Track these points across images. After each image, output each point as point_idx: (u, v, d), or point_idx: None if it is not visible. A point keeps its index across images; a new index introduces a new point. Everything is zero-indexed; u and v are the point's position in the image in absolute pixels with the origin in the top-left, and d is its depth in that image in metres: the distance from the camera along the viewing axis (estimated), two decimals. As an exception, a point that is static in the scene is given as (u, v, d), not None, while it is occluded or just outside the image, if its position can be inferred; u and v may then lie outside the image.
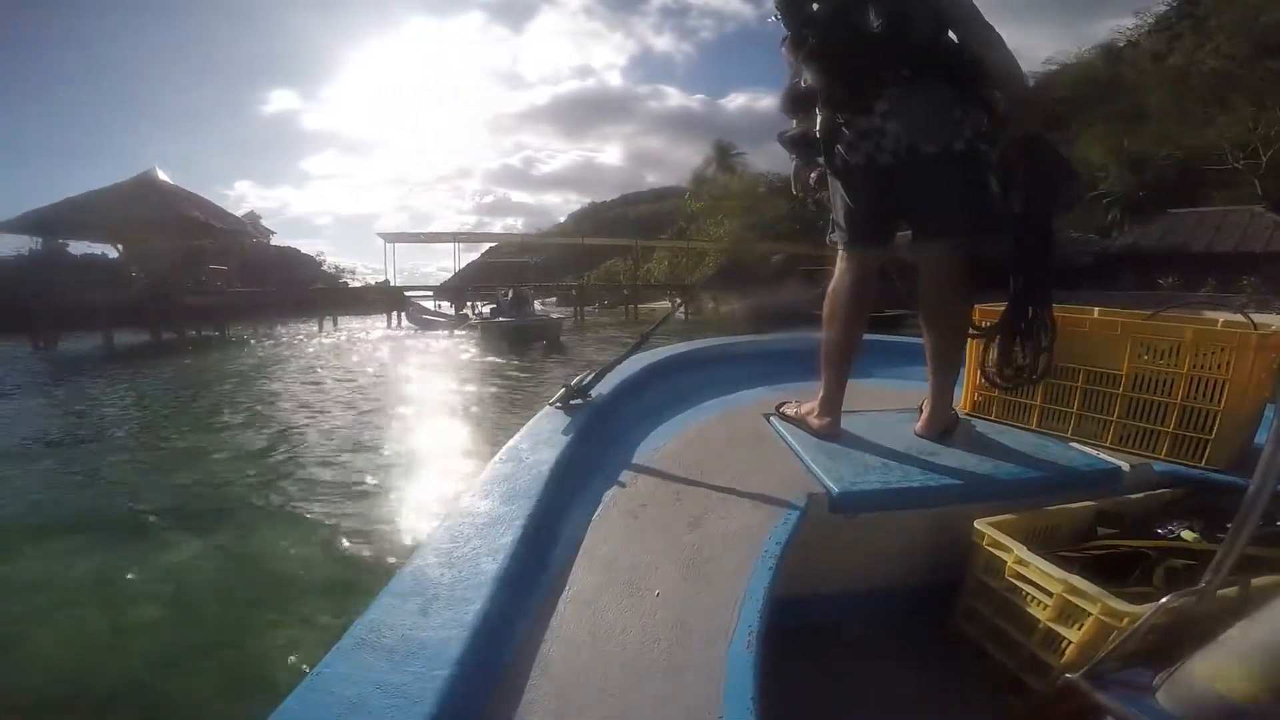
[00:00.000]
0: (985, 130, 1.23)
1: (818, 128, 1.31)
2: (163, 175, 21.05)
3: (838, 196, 1.33)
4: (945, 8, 1.20)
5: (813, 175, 1.44)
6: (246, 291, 22.49)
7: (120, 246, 21.50)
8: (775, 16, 1.32)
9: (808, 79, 1.32)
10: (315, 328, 21.67)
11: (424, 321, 19.17)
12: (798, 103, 1.37)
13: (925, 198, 1.25)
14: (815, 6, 1.27)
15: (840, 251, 1.35)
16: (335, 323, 22.69)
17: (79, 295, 16.74)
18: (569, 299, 30.58)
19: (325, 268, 38.27)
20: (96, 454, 6.01)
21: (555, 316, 16.47)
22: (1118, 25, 28.31)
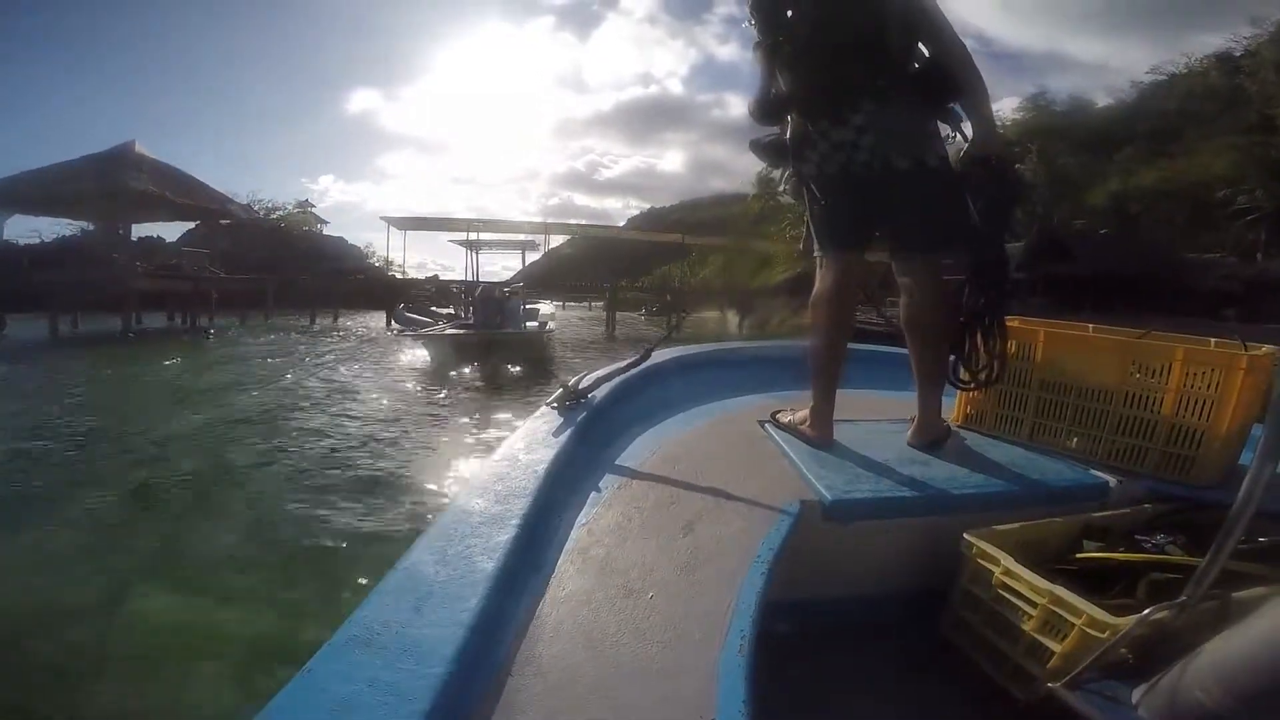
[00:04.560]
0: (953, 146, 1.26)
1: (788, 136, 1.32)
2: (141, 148, 19.19)
3: (813, 204, 1.35)
4: (919, 21, 1.22)
5: (787, 184, 1.43)
6: (231, 278, 21.21)
7: (113, 226, 20.07)
8: (750, 21, 1.32)
9: (780, 86, 1.32)
10: (307, 321, 20.73)
11: (409, 321, 17.49)
12: (770, 110, 1.36)
13: (901, 211, 1.27)
14: (790, 13, 1.27)
15: (819, 259, 1.37)
16: (335, 317, 21.70)
17: (30, 278, 16.19)
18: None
19: (372, 259, 37.04)
20: None
21: (549, 328, 12.70)
22: (1234, 35, 26.28)
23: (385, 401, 8.20)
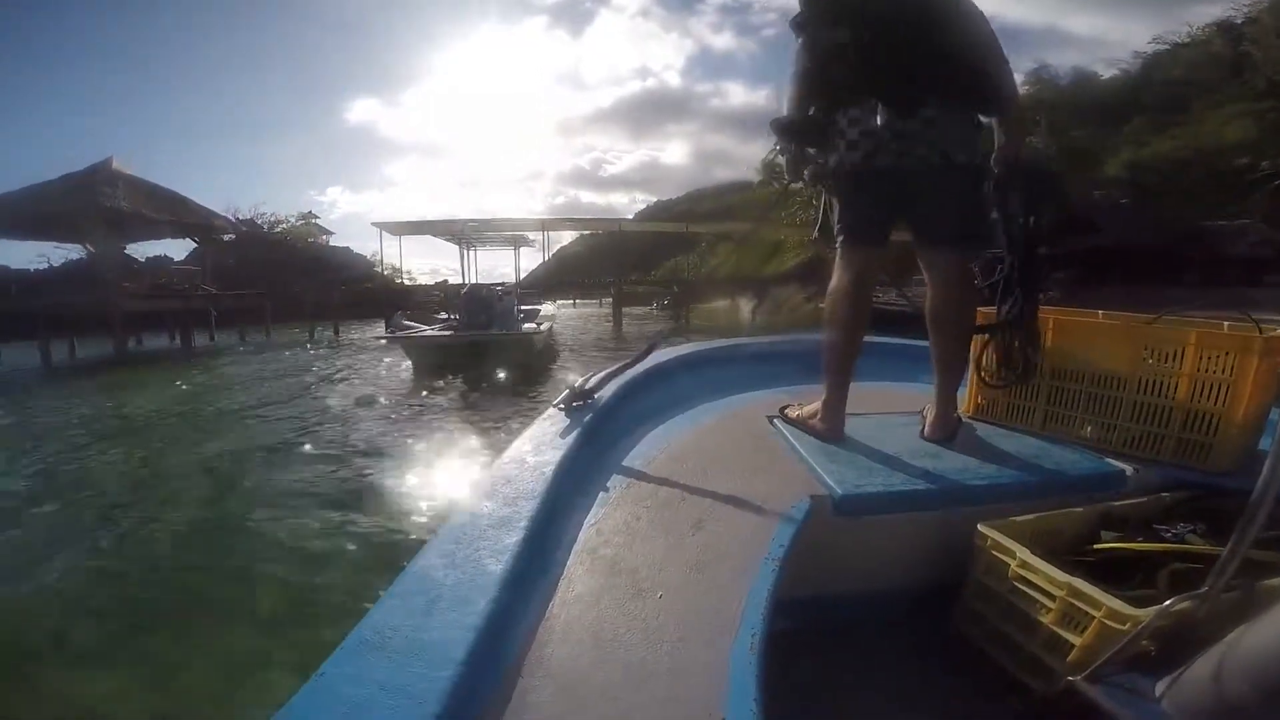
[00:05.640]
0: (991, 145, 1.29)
1: (845, 123, 1.27)
2: (119, 165, 18.46)
3: (840, 194, 1.33)
4: (971, 26, 1.23)
5: (806, 171, 1.37)
6: (224, 294, 20.50)
7: (90, 246, 19.73)
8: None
9: (836, 69, 1.26)
10: (308, 335, 20.06)
11: (403, 328, 15.49)
12: (820, 90, 1.29)
13: (930, 205, 1.26)
14: None
15: (838, 251, 1.35)
16: (335, 330, 21.21)
17: (22, 304, 16.21)
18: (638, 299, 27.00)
19: (379, 267, 35.65)
20: None
21: (543, 329, 11.18)
22: (1233, 3, 25.46)
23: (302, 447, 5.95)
